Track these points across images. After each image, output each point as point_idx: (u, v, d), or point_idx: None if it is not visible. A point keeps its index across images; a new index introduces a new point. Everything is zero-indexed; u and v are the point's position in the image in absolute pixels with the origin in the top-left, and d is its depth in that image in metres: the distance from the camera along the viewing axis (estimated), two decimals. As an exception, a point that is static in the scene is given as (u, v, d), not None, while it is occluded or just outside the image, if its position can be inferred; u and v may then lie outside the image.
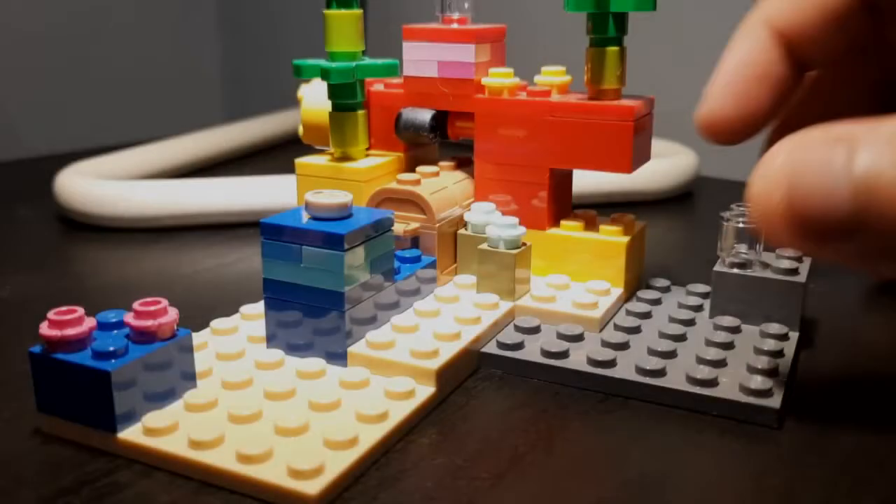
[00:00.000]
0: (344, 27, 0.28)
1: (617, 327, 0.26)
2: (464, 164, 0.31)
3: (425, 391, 0.22)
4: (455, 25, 0.30)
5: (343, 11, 0.28)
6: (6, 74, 0.73)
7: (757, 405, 0.22)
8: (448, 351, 0.23)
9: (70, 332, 0.20)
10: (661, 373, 0.23)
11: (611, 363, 0.24)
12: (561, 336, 0.26)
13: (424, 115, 0.30)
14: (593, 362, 0.24)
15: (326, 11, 0.28)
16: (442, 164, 0.31)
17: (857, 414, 0.22)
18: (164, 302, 0.21)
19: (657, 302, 0.29)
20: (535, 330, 0.26)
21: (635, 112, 0.27)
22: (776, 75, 0.26)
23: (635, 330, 0.26)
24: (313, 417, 0.20)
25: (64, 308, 0.21)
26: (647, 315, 0.27)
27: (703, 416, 0.22)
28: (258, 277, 0.24)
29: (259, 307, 0.26)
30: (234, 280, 0.34)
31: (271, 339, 0.24)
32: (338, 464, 0.19)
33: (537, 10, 0.59)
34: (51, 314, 0.20)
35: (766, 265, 0.27)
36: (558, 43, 0.56)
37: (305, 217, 0.24)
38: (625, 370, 0.24)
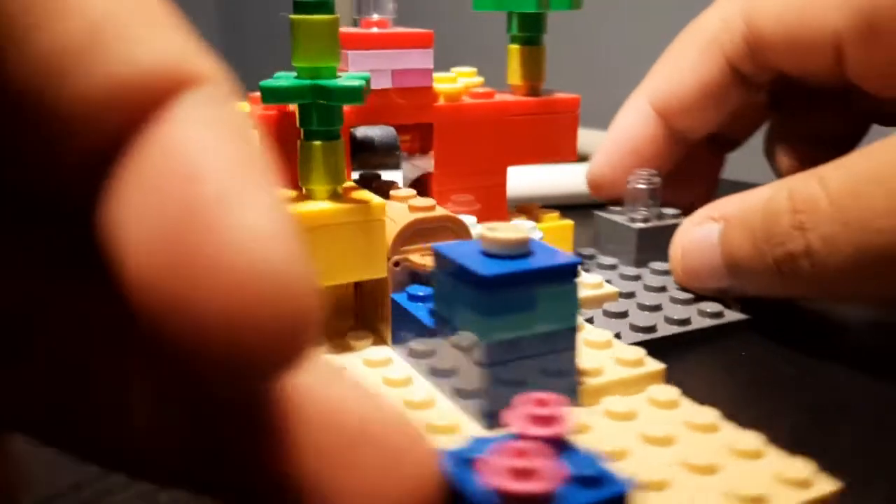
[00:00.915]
0: (329, 36, 0.23)
1: (624, 295, 0.29)
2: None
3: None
4: (375, 29, 0.27)
5: (332, 17, 0.22)
6: None
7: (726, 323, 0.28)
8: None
9: (547, 484, 0.14)
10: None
11: (686, 322, 0.27)
12: (611, 314, 0.27)
13: (390, 133, 0.26)
14: (671, 321, 0.27)
15: (311, 18, 0.22)
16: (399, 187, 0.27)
17: (856, 413, 0.23)
18: (554, 401, 0.16)
19: (613, 267, 0.32)
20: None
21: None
22: (651, 149, 0.33)
23: (632, 294, 0.29)
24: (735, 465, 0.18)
25: (510, 444, 0.14)
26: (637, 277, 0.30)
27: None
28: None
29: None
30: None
31: (489, 416, 0.20)
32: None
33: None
34: (497, 459, 0.14)
35: (661, 216, 0.33)
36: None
37: (477, 257, 0.20)
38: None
